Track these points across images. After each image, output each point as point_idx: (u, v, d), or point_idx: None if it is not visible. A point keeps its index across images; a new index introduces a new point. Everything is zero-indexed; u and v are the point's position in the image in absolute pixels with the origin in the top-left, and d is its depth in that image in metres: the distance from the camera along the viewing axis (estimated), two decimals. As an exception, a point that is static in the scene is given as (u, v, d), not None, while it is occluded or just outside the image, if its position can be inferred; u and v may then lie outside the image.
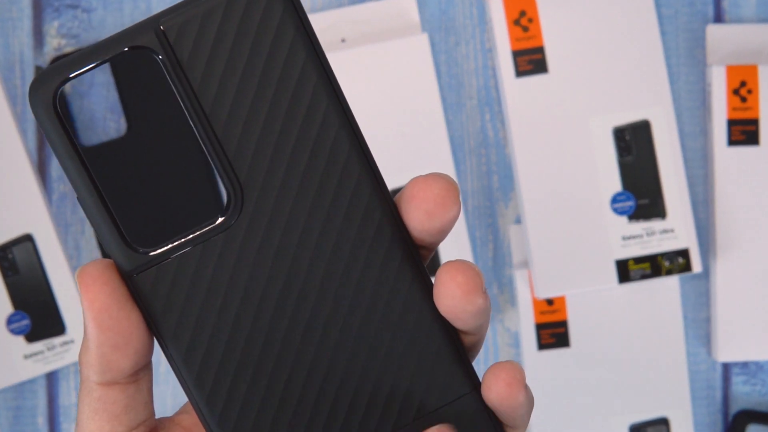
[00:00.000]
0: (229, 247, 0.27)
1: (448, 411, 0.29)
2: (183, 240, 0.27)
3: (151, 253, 0.27)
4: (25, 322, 0.65)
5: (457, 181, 0.28)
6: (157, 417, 0.31)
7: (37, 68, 0.67)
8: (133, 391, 0.29)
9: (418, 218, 0.28)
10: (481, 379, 0.29)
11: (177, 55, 0.27)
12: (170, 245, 0.27)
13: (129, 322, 0.27)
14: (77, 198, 0.27)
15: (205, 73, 0.27)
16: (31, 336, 0.65)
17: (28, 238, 0.65)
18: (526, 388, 0.29)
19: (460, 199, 0.28)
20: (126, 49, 0.27)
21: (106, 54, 0.27)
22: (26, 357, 0.65)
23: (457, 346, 0.29)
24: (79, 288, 0.27)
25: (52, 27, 0.67)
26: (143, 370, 0.29)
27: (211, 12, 0.27)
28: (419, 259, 0.29)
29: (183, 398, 0.68)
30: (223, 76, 0.27)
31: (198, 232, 0.27)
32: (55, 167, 0.67)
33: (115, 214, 0.27)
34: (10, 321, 0.65)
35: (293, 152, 0.27)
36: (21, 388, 0.67)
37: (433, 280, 0.29)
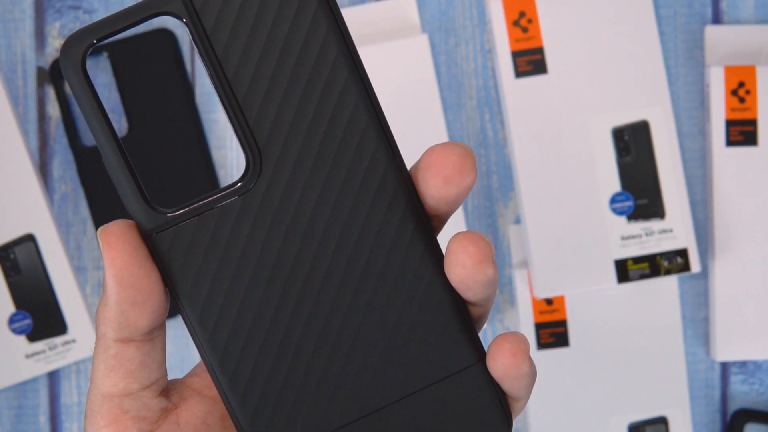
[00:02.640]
0: (247, 210, 0.28)
1: (455, 381, 0.29)
2: (202, 202, 0.28)
3: (171, 214, 0.28)
4: (27, 321, 0.65)
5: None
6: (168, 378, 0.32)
7: (39, 69, 0.67)
8: (148, 348, 0.29)
9: (435, 185, 0.28)
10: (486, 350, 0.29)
11: (202, 22, 0.27)
12: (189, 207, 0.28)
13: (149, 280, 0.28)
14: (102, 159, 0.28)
15: (229, 41, 0.28)
16: (33, 335, 0.65)
17: (29, 238, 0.65)
18: (530, 359, 0.29)
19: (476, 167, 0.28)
20: (152, 15, 0.27)
21: (133, 18, 0.27)
22: (28, 356, 0.65)
23: (465, 318, 0.29)
24: (101, 245, 0.28)
25: (53, 28, 0.67)
26: (158, 329, 0.30)
27: None
28: (431, 231, 0.29)
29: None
30: (247, 44, 0.28)
31: (216, 195, 0.28)
32: (56, 168, 0.67)
33: (138, 176, 0.28)
34: (11, 320, 0.65)
35: (312, 120, 0.28)
36: (23, 388, 0.67)
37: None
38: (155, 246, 0.28)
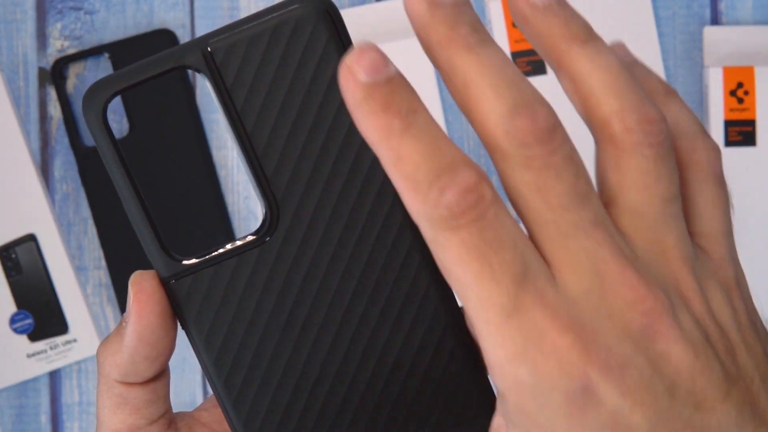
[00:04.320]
0: (263, 261, 0.29)
1: (465, 430, 0.29)
2: (219, 252, 0.29)
3: (188, 262, 0.29)
4: (28, 321, 0.65)
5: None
6: (178, 411, 0.32)
7: (41, 69, 0.68)
8: (152, 387, 0.30)
9: None
10: None
11: (223, 77, 0.28)
12: (206, 256, 0.29)
13: (168, 340, 0.29)
14: (123, 206, 0.29)
15: (249, 96, 0.28)
16: (34, 335, 0.65)
17: (31, 238, 0.65)
18: None
19: None
20: (173, 68, 0.28)
21: (154, 71, 0.28)
22: (29, 356, 0.65)
23: (478, 366, 0.29)
24: (131, 297, 0.28)
25: (55, 29, 0.68)
26: (163, 370, 0.30)
27: (257, 36, 0.28)
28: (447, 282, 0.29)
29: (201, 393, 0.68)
30: (266, 99, 0.28)
31: (234, 245, 0.29)
32: (57, 168, 0.67)
33: (157, 223, 0.29)
34: (13, 320, 0.65)
35: (330, 176, 0.28)
36: (24, 387, 0.67)
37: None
38: (172, 292, 0.29)
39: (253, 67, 0.28)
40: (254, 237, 0.29)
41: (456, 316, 0.29)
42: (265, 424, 0.29)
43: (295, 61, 0.28)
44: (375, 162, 0.28)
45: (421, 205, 0.24)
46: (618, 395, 0.24)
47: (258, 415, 0.29)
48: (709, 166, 0.27)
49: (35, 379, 0.67)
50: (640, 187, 0.25)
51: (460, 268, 0.24)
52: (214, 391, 0.29)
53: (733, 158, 0.65)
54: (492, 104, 0.24)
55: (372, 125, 0.24)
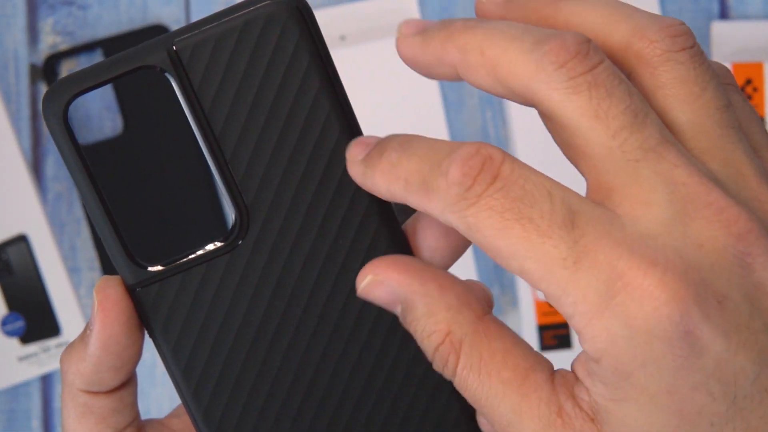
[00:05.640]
0: (233, 268, 0.28)
1: None
2: (187, 258, 0.28)
3: (155, 269, 0.28)
4: (20, 323, 0.65)
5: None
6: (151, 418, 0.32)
7: (32, 66, 0.67)
8: (118, 396, 0.29)
9: (434, 236, 0.27)
10: None
11: (189, 77, 0.27)
12: (174, 263, 0.28)
13: (133, 349, 0.28)
14: (86, 212, 0.27)
15: (217, 96, 0.27)
16: (26, 337, 0.65)
17: (22, 239, 0.65)
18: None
19: None
20: (137, 68, 0.27)
21: (117, 71, 0.27)
22: (21, 359, 0.65)
23: (460, 400, 0.28)
24: (96, 306, 0.28)
25: (46, 24, 0.67)
26: (129, 378, 0.30)
27: (225, 34, 0.27)
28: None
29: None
30: (235, 100, 0.27)
31: (202, 252, 0.28)
32: (50, 166, 0.67)
33: (122, 228, 0.28)
34: (4, 322, 0.65)
35: (301, 179, 0.27)
36: (15, 391, 0.66)
37: None
38: (138, 300, 0.28)
39: (220, 67, 0.27)
40: (223, 243, 0.28)
41: None
42: None
43: (264, 61, 0.27)
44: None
45: (437, 201, 0.23)
46: (722, 337, 0.21)
47: (228, 426, 0.28)
48: (733, 79, 0.26)
49: (27, 383, 0.66)
50: (688, 100, 0.23)
51: (504, 241, 0.22)
52: (182, 402, 0.29)
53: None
54: (516, 45, 0.23)
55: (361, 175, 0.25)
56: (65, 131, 0.27)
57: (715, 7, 0.67)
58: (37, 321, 0.65)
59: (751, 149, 0.24)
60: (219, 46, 0.27)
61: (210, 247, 0.28)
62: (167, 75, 0.27)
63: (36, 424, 0.66)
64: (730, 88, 0.25)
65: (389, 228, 0.28)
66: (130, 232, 0.28)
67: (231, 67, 0.27)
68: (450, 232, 0.27)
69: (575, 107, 0.22)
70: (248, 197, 0.27)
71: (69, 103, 0.27)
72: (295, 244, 0.28)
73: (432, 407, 0.28)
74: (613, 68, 0.23)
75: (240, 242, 0.28)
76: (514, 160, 0.23)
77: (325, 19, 0.66)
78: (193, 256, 0.28)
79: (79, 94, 0.27)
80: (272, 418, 0.28)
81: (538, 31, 0.23)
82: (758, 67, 0.64)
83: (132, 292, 0.28)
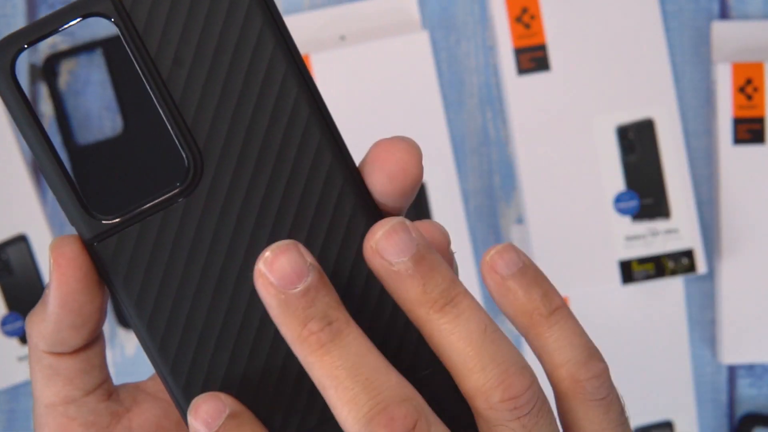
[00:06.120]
0: (190, 214, 0.28)
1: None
2: (143, 208, 0.28)
3: (111, 221, 0.27)
4: (20, 323, 0.65)
5: (421, 149, 0.28)
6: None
7: (32, 66, 0.67)
8: (84, 356, 0.29)
9: (380, 181, 0.28)
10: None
11: (134, 22, 0.27)
12: (129, 213, 0.28)
13: (92, 305, 0.28)
14: (38, 167, 0.28)
15: (163, 40, 0.27)
16: (26, 338, 0.65)
17: (22, 239, 0.65)
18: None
19: (423, 163, 0.28)
20: (82, 16, 0.27)
21: (62, 22, 0.27)
22: (20, 359, 0.65)
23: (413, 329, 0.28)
24: (51, 264, 0.27)
25: (46, 24, 0.67)
26: (95, 338, 0.29)
27: None
28: None
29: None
30: (180, 42, 0.27)
31: (158, 200, 0.28)
32: (49, 166, 0.67)
33: (76, 182, 0.28)
34: (4, 322, 0.65)
35: (252, 118, 0.27)
36: (15, 391, 0.66)
37: None
38: (96, 254, 0.28)
39: (164, 10, 0.27)
40: (178, 189, 0.28)
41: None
42: (206, 388, 0.28)
43: (206, 1, 0.27)
44: (299, 102, 0.28)
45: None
46: None
47: (198, 378, 0.28)
48: (594, 393, 0.28)
49: (27, 383, 0.66)
50: None
51: None
52: (149, 358, 0.28)
53: (742, 157, 0.64)
54: (348, 410, 0.25)
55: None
56: (13, 86, 0.27)
57: (715, 7, 0.67)
58: (36, 321, 0.65)
59: None
60: None
61: (165, 195, 0.28)
62: (112, 21, 0.27)
63: (36, 424, 0.66)
64: None
65: (344, 164, 0.28)
66: (86, 186, 0.28)
67: (174, 9, 0.27)
68: (395, 176, 0.28)
69: None
70: (200, 140, 0.27)
71: (15, 57, 0.27)
72: (250, 184, 0.27)
73: (400, 354, 0.28)
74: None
75: (195, 187, 0.27)
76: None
77: (325, 19, 0.65)
78: (148, 205, 0.28)
79: (25, 48, 0.27)
80: (242, 363, 0.28)
81: (376, 392, 0.25)
82: (758, 66, 0.64)
83: (90, 247, 0.27)
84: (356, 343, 0.26)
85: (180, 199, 0.28)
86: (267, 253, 0.25)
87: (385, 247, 0.26)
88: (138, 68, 0.27)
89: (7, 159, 0.64)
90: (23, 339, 0.65)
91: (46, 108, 0.67)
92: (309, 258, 0.26)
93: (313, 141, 0.28)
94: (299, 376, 0.28)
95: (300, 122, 0.27)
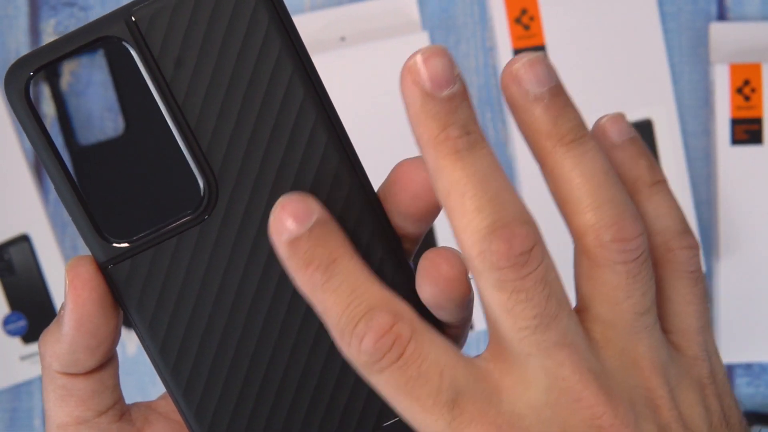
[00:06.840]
0: (205, 240, 0.27)
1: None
2: (157, 232, 0.27)
3: (124, 245, 0.27)
4: (22, 323, 0.65)
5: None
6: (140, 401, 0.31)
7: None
8: (98, 377, 0.29)
9: (404, 201, 0.28)
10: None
11: (149, 46, 0.27)
12: (144, 238, 0.27)
13: (107, 327, 0.28)
14: (54, 188, 0.28)
15: (178, 64, 0.27)
16: (28, 337, 0.65)
17: (24, 239, 0.65)
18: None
19: None
20: (95, 39, 0.27)
21: (77, 44, 0.27)
22: (23, 358, 0.65)
23: None
24: (67, 285, 0.27)
25: (48, 25, 0.67)
26: (109, 359, 0.29)
27: (183, 1, 0.26)
28: (402, 252, 0.28)
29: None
30: (197, 66, 0.27)
31: (172, 225, 0.27)
32: (51, 167, 0.67)
33: (91, 205, 0.28)
34: (6, 322, 0.65)
35: (268, 144, 0.27)
36: (17, 390, 0.66)
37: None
38: (110, 278, 0.27)
39: (179, 35, 0.27)
40: (193, 214, 0.27)
41: (411, 290, 0.28)
42: (219, 412, 0.28)
43: (224, 26, 0.27)
44: (316, 129, 0.27)
45: (347, 351, 0.25)
46: None
47: (210, 402, 0.28)
48: (684, 264, 0.28)
49: (29, 382, 0.66)
50: (610, 302, 0.26)
51: (398, 406, 0.25)
52: (162, 380, 0.28)
53: (740, 157, 0.64)
54: (470, 219, 0.24)
55: (300, 281, 0.25)
56: (27, 107, 0.27)
57: (714, 8, 0.67)
58: (38, 320, 0.65)
59: (660, 340, 0.26)
60: (177, 14, 0.26)
61: (180, 219, 0.27)
62: (126, 45, 0.26)
63: (38, 423, 0.66)
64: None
65: (361, 189, 0.28)
66: (101, 209, 0.28)
67: (190, 34, 0.26)
68: (418, 197, 0.28)
69: (494, 299, 0.25)
70: (216, 166, 0.27)
71: (30, 79, 0.27)
72: (265, 210, 0.27)
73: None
74: (545, 272, 0.25)
75: (210, 212, 0.27)
76: (420, 337, 0.25)
77: (326, 19, 0.66)
78: (162, 230, 0.27)
79: (40, 69, 0.26)
80: (255, 389, 0.28)
81: (502, 209, 0.25)
82: (756, 67, 0.64)
83: (104, 269, 0.27)
84: (489, 159, 0.25)
85: (195, 225, 0.27)
86: (419, 55, 0.25)
87: (526, 75, 0.26)
88: (153, 93, 0.27)
89: (10, 159, 0.64)
90: (25, 338, 0.65)
91: (47, 109, 0.67)
92: (457, 69, 0.25)
93: (331, 168, 0.27)
94: (315, 394, 0.28)
95: (317, 150, 0.27)
